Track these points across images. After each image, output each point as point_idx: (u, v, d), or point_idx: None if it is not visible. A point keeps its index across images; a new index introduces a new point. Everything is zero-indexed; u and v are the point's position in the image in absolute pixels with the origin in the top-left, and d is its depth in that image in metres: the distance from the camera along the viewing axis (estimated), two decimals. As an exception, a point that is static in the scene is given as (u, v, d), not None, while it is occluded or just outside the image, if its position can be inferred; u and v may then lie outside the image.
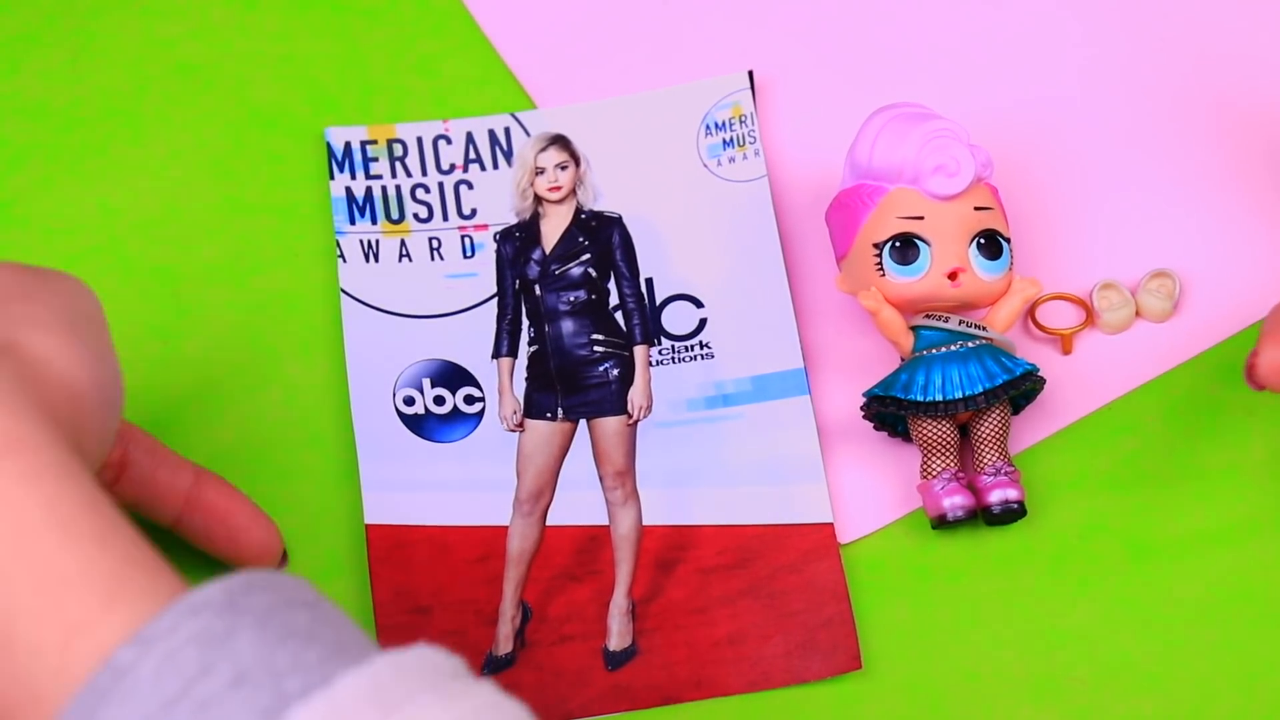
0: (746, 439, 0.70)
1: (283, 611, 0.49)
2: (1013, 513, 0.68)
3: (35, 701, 0.49)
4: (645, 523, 0.69)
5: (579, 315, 0.73)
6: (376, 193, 0.76)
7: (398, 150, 0.77)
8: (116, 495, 0.65)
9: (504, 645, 0.68)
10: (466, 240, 0.75)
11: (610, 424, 0.71)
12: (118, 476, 0.65)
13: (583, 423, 0.71)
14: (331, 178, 0.76)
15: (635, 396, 0.72)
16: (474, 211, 0.76)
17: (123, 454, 0.65)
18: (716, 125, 0.77)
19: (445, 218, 0.76)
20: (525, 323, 0.73)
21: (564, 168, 0.76)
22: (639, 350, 0.73)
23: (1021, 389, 0.68)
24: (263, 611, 0.49)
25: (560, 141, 0.77)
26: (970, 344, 0.68)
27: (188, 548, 0.67)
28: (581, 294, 0.73)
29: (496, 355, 0.73)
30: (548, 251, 0.74)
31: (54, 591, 0.49)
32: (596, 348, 0.73)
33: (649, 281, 0.74)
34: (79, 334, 0.56)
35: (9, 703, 0.49)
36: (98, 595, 0.49)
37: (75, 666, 0.48)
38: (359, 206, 0.76)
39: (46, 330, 0.55)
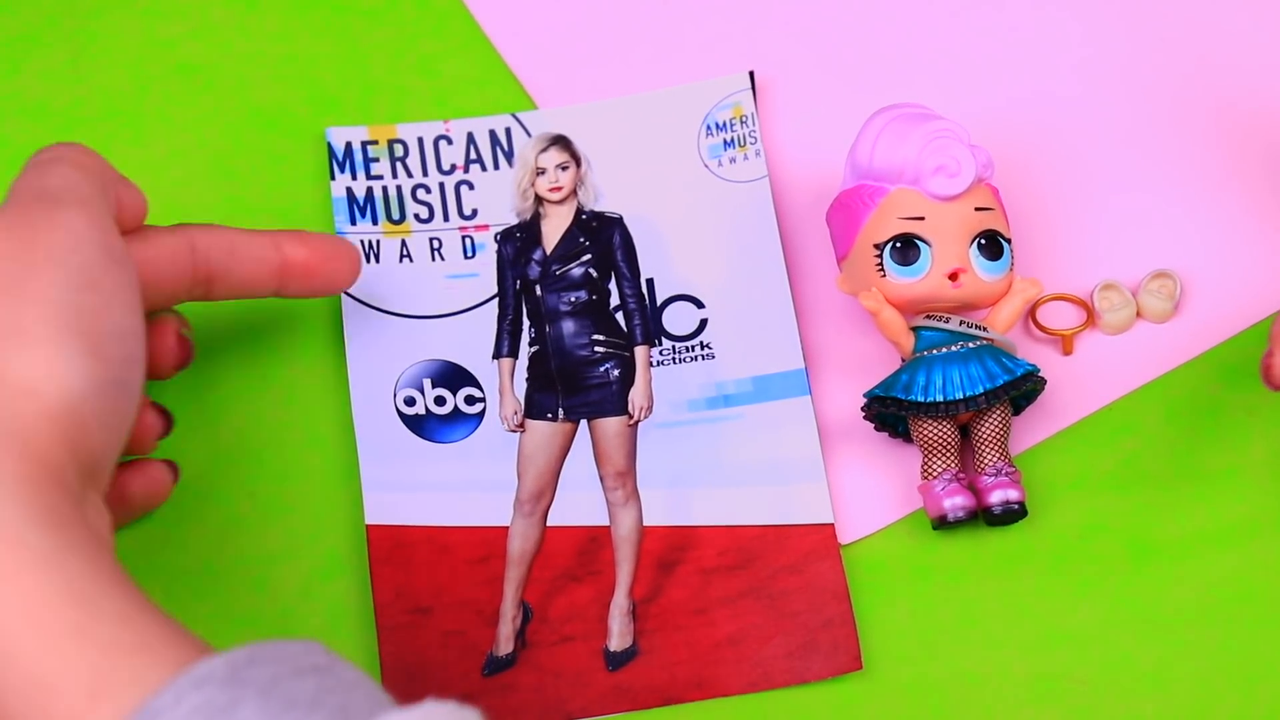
0: (747, 439, 0.70)
1: (287, 681, 0.49)
2: (1013, 513, 0.68)
3: None
4: (646, 523, 0.70)
5: (580, 316, 0.73)
6: (377, 193, 0.76)
7: (399, 150, 0.77)
8: (216, 299, 0.67)
9: (505, 646, 0.68)
10: (467, 241, 0.75)
11: (611, 424, 0.71)
12: (209, 290, 0.66)
13: (583, 423, 0.71)
14: (332, 178, 0.76)
15: (636, 397, 0.72)
16: (475, 212, 0.76)
17: (206, 268, 0.65)
18: (717, 126, 0.77)
19: (446, 218, 0.76)
20: (526, 323, 0.73)
21: (565, 168, 0.76)
22: (640, 351, 0.73)
23: (1022, 389, 0.68)
24: (266, 682, 0.49)
25: (561, 142, 0.77)
26: (971, 344, 0.69)
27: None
28: (582, 294, 0.73)
29: (497, 356, 0.73)
30: (548, 252, 0.74)
31: (36, 698, 0.49)
32: (597, 348, 0.73)
33: (650, 282, 0.74)
34: (72, 324, 0.54)
35: None
36: (81, 694, 0.49)
37: None
38: (360, 207, 0.76)
39: (32, 342, 0.54)
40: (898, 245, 0.68)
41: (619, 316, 0.73)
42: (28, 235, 0.55)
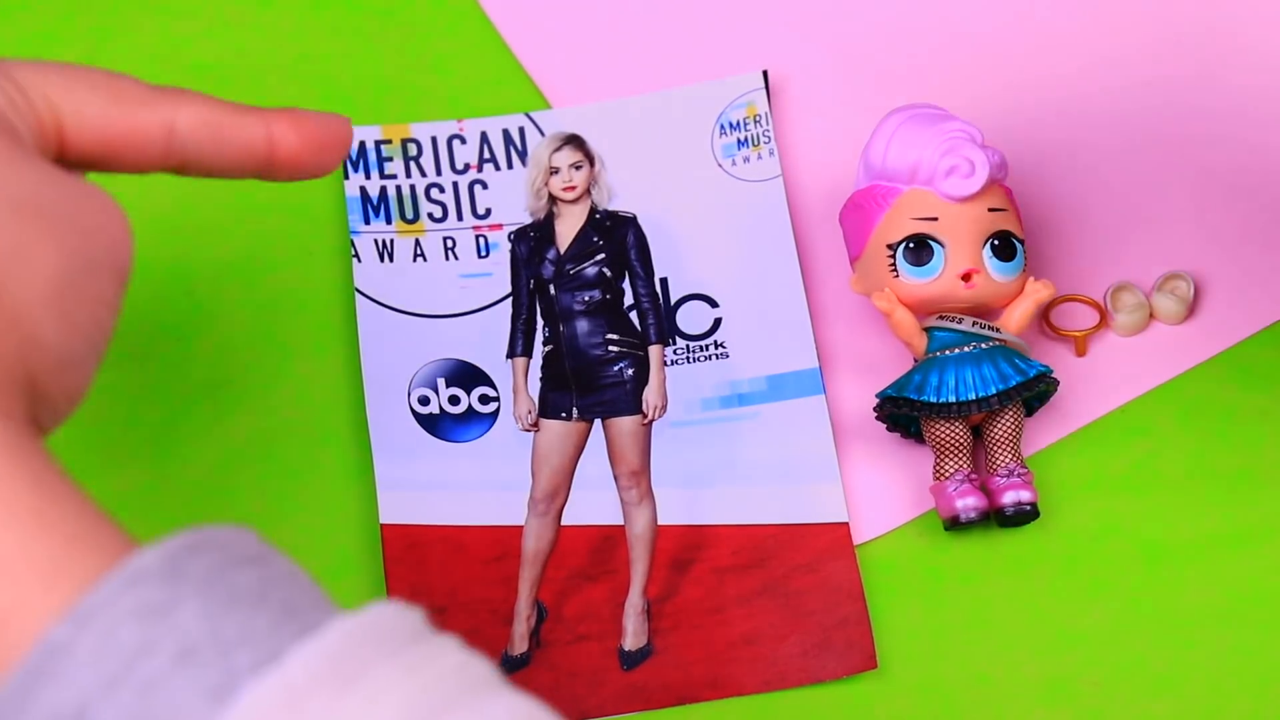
0: (761, 439, 0.71)
1: (229, 572, 0.46)
2: (1026, 514, 0.68)
3: None
4: (660, 522, 0.70)
5: (594, 315, 0.73)
6: (391, 192, 0.76)
7: (412, 150, 0.77)
8: (189, 176, 0.59)
9: (519, 645, 0.68)
10: (481, 240, 0.75)
11: (625, 424, 0.71)
12: (182, 171, 0.58)
13: (598, 422, 0.71)
14: (346, 177, 0.76)
15: (650, 396, 0.72)
16: (488, 211, 0.76)
17: (182, 155, 0.57)
18: (731, 125, 0.77)
19: (460, 217, 0.76)
20: (540, 322, 0.73)
21: (579, 167, 0.76)
22: (654, 350, 0.73)
23: (1035, 390, 0.68)
24: (206, 575, 0.46)
25: (575, 141, 0.77)
26: (984, 345, 0.69)
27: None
28: (596, 294, 0.74)
29: (511, 355, 0.73)
30: (562, 251, 0.74)
31: None
32: (611, 347, 0.73)
33: (664, 281, 0.74)
34: (74, 284, 0.51)
35: None
36: (37, 578, 0.46)
37: (10, 651, 0.45)
38: (373, 206, 0.76)
39: (36, 275, 0.50)
40: (911, 246, 0.68)
41: (633, 316, 0.73)
42: (46, 207, 0.52)
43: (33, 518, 0.47)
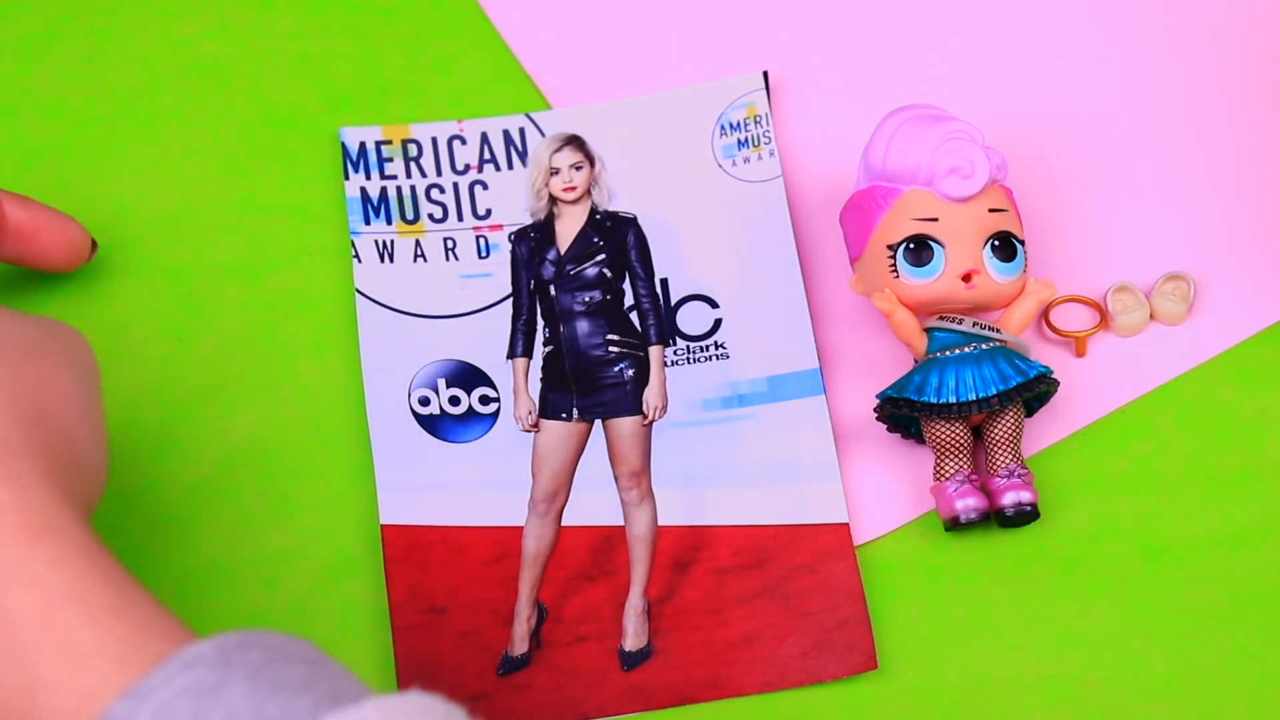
0: (762, 439, 0.71)
1: (278, 665, 0.51)
2: (1026, 515, 0.68)
3: None
4: (661, 523, 0.70)
5: (594, 315, 0.73)
6: (391, 193, 0.76)
7: (412, 150, 0.77)
8: None
9: (519, 645, 0.68)
10: (481, 240, 0.75)
11: (625, 424, 0.71)
12: None
13: (598, 423, 0.71)
14: (346, 178, 0.76)
15: (650, 397, 0.72)
16: (489, 212, 0.76)
17: None
18: (731, 125, 0.77)
19: (460, 218, 0.76)
20: (540, 323, 0.73)
21: (579, 168, 0.76)
22: (654, 350, 0.73)
23: (1035, 391, 0.68)
24: (256, 665, 0.51)
25: (575, 142, 0.77)
26: (984, 346, 0.69)
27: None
28: (596, 294, 0.74)
29: (512, 355, 0.73)
30: (563, 252, 0.74)
31: (74, 662, 0.52)
32: (611, 348, 0.73)
33: (664, 282, 0.74)
34: (90, 403, 0.59)
35: None
36: (113, 663, 0.52)
37: None
38: (374, 207, 0.76)
39: (70, 402, 0.58)
40: (911, 246, 0.68)
41: (633, 316, 0.73)
42: (39, 326, 0.60)
43: (109, 612, 0.53)
